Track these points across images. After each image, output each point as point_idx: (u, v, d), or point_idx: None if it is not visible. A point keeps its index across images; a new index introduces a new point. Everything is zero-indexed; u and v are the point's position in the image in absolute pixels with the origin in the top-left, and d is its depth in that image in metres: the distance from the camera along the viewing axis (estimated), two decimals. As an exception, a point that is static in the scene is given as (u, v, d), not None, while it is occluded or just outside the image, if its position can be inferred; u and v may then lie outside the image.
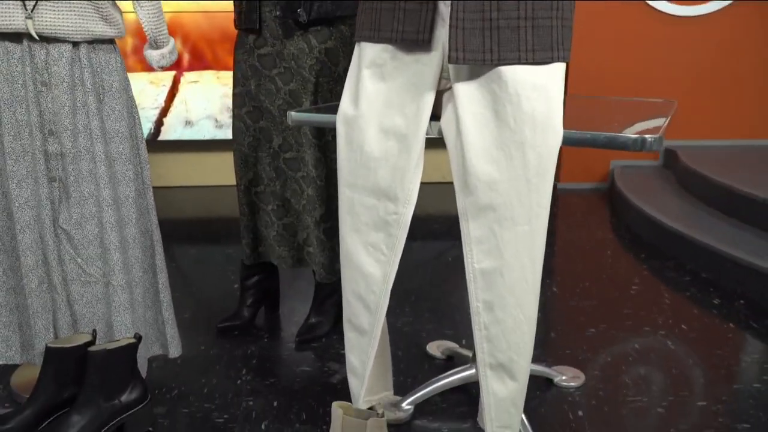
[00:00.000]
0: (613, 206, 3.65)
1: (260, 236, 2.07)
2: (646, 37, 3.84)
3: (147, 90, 3.79)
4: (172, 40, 1.67)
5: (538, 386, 1.80)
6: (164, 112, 3.83)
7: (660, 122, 1.23)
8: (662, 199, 3.30)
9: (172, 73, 3.78)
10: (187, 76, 3.80)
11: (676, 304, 2.35)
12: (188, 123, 3.87)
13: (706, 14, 3.80)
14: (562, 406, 1.71)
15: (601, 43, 3.83)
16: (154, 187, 1.74)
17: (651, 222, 3.02)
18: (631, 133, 1.15)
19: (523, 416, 1.49)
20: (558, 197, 3.92)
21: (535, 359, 1.91)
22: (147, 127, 3.82)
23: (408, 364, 1.94)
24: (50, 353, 1.56)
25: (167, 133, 3.87)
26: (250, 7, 1.83)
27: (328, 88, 1.86)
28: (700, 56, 3.87)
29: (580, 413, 1.68)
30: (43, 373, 1.58)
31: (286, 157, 1.92)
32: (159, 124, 3.85)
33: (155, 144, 3.88)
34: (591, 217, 3.48)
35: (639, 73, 3.89)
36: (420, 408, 1.69)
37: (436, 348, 2.01)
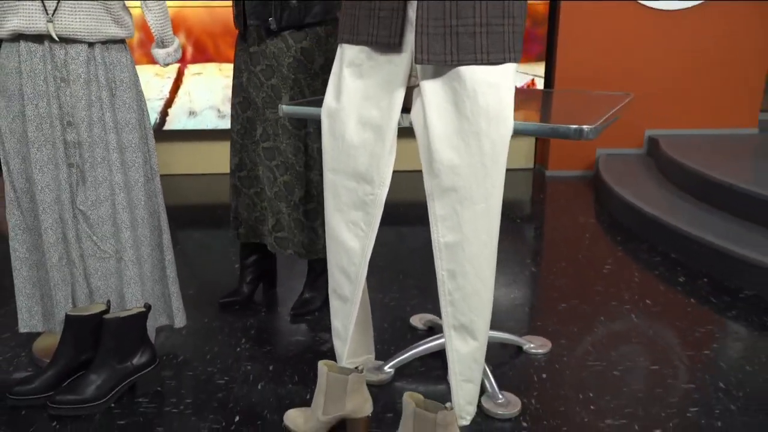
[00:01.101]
0: (597, 193, 3.82)
1: (240, 218, 2.24)
2: (629, 33, 4.00)
3: (152, 82, 3.97)
4: (176, 39, 1.85)
5: (509, 353, 1.99)
6: (169, 102, 4.01)
7: (605, 114, 1.40)
8: (641, 185, 3.47)
9: (177, 65, 3.96)
10: (191, 68, 3.97)
11: (644, 282, 2.54)
12: (192, 113, 4.06)
13: (687, 8, 3.95)
14: (528, 370, 1.90)
15: (588, 39, 3.99)
16: (159, 175, 1.92)
17: (629, 207, 3.20)
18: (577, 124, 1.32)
19: (488, 371, 1.68)
20: (546, 184, 4.10)
21: (508, 329, 2.11)
22: (153, 117, 4.00)
23: (392, 334, 2.13)
24: (69, 321, 1.76)
25: (172, 123, 4.05)
26: (237, 11, 2.02)
27: (306, 84, 2.03)
28: (682, 50, 4.03)
29: (544, 375, 1.87)
30: (63, 338, 1.78)
31: (264, 146, 2.10)
32: (164, 114, 4.04)
33: (160, 133, 4.06)
34: (575, 203, 3.65)
35: (624, 68, 4.05)
36: (400, 371, 1.88)
37: (418, 320, 2.19)
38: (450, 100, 1.34)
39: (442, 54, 1.30)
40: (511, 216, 3.42)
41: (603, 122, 1.34)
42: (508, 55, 1.32)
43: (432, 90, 1.35)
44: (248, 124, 2.11)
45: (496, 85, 1.31)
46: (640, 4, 3.94)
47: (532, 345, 2.00)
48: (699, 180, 3.16)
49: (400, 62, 1.38)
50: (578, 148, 4.18)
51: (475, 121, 1.32)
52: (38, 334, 2.04)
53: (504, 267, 2.69)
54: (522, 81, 4.11)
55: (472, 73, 1.31)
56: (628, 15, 3.98)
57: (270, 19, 1.96)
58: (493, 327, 1.67)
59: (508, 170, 4.32)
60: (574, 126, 1.27)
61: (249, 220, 2.22)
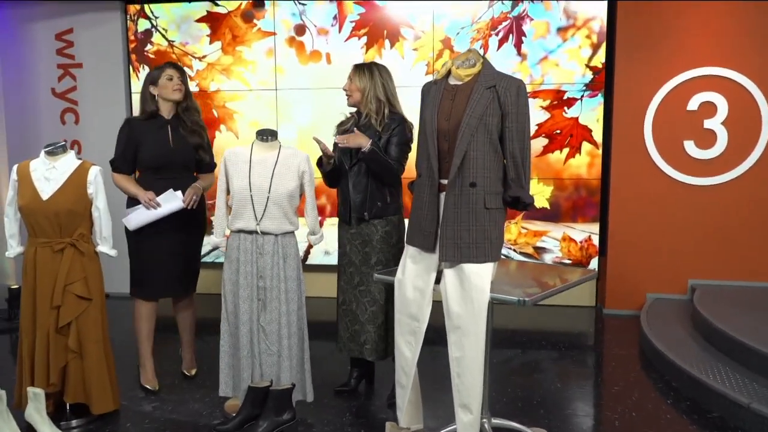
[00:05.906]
0: (640, 330, 4.69)
1: (341, 337, 3.46)
2: (670, 200, 4.99)
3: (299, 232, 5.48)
4: (321, 230, 3.24)
5: (517, 437, 3.01)
6: (310, 245, 5.48)
7: (546, 290, 2.53)
8: (668, 327, 4.33)
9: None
10: (328, 221, 5.45)
11: (639, 400, 3.44)
12: (326, 253, 5.50)
13: (717, 183, 4.90)
14: (526, 447, 2.92)
15: (634, 205, 5.03)
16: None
17: (649, 342, 4.09)
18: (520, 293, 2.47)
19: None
20: (604, 320, 5.03)
21: (527, 421, 3.14)
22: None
23: (444, 416, 3.21)
24: (250, 390, 3.06)
25: (312, 259, 5.51)
26: (344, 210, 3.34)
27: (387, 251, 3.29)
28: (717, 213, 4.93)
29: (535, 451, 2.88)
30: (245, 400, 3.07)
31: (360, 289, 3.35)
32: (306, 253, 5.51)
33: (304, 267, 5.51)
34: (618, 338, 4.56)
35: (666, 225, 5.01)
36: (442, 439, 2.96)
37: (463, 412, 3.26)
38: (458, 280, 2.54)
39: (453, 257, 2.52)
40: (562, 346, 4.40)
41: (541, 296, 2.48)
42: (488, 259, 2.51)
43: (449, 274, 2.56)
44: (349, 276, 3.40)
45: (482, 274, 2.50)
46: (676, 180, 4.95)
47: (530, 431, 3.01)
48: (707, 326, 4.01)
49: (435, 258, 2.62)
50: (630, 291, 5.10)
51: (470, 292, 2.50)
52: (227, 398, 3.35)
53: (542, 381, 3.70)
54: (581, 237, 5.18)
55: (469, 267, 2.51)
56: (669, 188, 4.98)
57: (365, 213, 3.29)
58: (514, 419, 2.73)
59: (573, 306, 5.32)
60: (518, 298, 2.42)
61: (344, 338, 3.45)
